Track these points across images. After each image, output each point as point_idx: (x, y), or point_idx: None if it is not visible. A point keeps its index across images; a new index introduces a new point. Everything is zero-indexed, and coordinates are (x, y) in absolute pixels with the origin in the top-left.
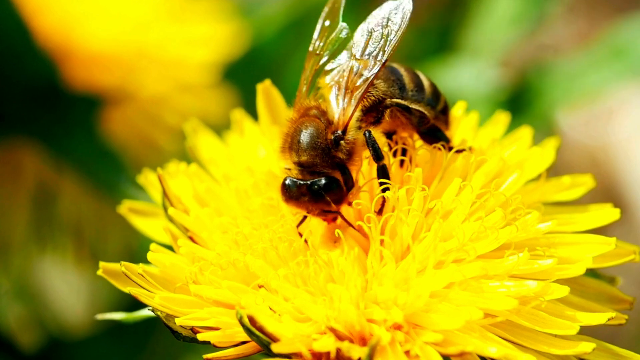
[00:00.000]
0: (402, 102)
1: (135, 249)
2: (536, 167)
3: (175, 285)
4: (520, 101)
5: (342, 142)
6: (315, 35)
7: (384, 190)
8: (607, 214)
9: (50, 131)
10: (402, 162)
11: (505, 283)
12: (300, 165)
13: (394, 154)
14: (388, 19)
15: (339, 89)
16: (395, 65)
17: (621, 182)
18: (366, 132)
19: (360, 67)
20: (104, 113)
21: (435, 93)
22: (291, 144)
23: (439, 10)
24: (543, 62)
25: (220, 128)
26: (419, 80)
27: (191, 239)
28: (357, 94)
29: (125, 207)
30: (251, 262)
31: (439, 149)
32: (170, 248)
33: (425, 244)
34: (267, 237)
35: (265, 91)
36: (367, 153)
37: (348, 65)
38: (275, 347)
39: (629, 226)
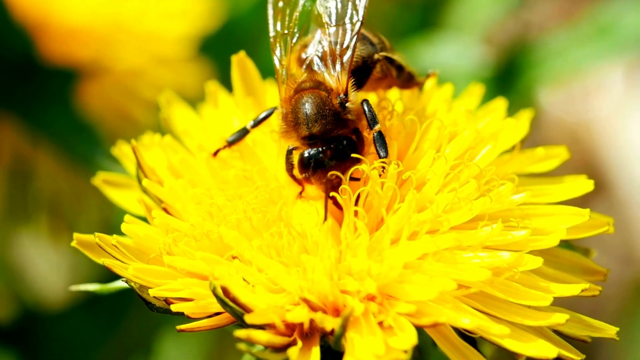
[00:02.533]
0: (389, 54)
1: (113, 223)
2: (510, 139)
3: (149, 256)
4: (504, 78)
5: (347, 104)
6: (271, 20)
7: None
8: (582, 185)
9: (26, 105)
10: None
11: (478, 254)
12: (311, 137)
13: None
14: None
15: (323, 60)
16: None
17: (602, 160)
18: (363, 100)
19: (340, 32)
20: (80, 86)
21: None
22: (296, 121)
23: None
24: (527, 39)
25: (196, 101)
26: (379, 37)
27: (165, 210)
28: (346, 58)
29: (99, 179)
30: (225, 233)
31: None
32: (144, 220)
33: (399, 215)
34: (241, 208)
35: (240, 62)
36: None
37: (325, 34)
38: (248, 318)
39: (609, 203)
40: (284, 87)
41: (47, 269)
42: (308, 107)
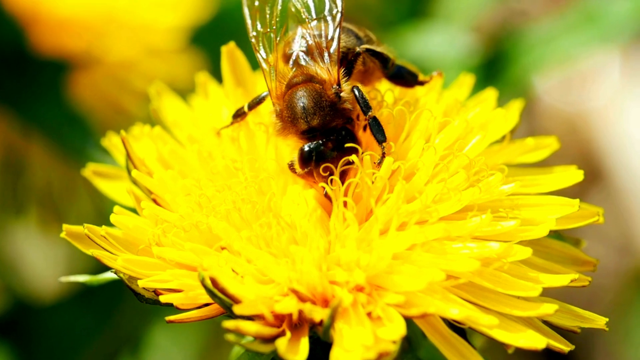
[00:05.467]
0: (371, 46)
1: (104, 214)
2: (500, 129)
3: (138, 247)
4: (493, 67)
5: (342, 94)
6: (249, 20)
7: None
8: (572, 175)
9: (17, 96)
10: (365, 127)
11: (467, 244)
12: (311, 131)
13: (357, 118)
14: None
15: (309, 54)
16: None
17: (599, 150)
18: (354, 86)
19: (322, 25)
20: (71, 78)
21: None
22: (293, 116)
23: None
24: (515, 27)
25: (188, 92)
26: (365, 31)
27: (154, 201)
28: (332, 49)
29: (89, 170)
30: (214, 224)
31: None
32: (134, 211)
33: (388, 205)
34: (230, 199)
35: (230, 53)
36: None
37: (307, 29)
38: (237, 309)
39: (606, 193)
40: (275, 85)
41: (40, 261)
42: (305, 100)
